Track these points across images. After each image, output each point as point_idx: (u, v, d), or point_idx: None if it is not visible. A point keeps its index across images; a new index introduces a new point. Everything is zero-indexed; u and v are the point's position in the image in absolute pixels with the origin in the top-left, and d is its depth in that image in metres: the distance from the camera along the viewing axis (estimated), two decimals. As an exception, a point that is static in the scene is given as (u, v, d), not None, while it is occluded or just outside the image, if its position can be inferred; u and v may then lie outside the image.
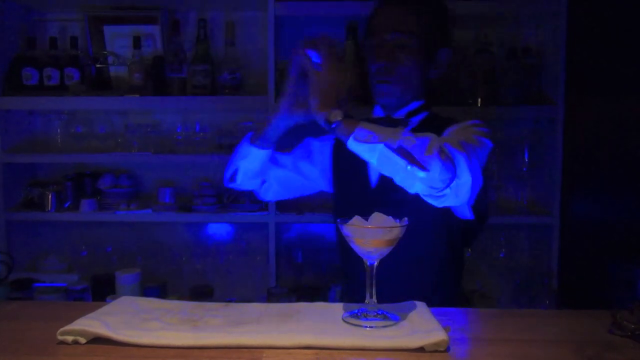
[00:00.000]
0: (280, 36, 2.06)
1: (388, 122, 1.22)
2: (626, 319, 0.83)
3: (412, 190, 0.99)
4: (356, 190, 1.29)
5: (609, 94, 1.72)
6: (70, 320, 0.82)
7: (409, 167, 0.94)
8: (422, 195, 1.01)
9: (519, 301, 1.94)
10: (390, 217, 0.86)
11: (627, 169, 1.62)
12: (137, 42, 2.05)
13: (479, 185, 1.05)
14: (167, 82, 2.04)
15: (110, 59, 2.12)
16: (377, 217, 0.86)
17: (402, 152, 0.95)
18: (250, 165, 1.25)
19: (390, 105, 1.27)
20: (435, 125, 1.18)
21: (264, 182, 1.34)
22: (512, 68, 1.95)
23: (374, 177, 1.26)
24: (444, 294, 1.24)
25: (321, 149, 1.38)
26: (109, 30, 2.13)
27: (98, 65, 2.12)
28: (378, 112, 1.30)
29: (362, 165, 1.26)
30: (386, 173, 1.00)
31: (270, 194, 1.37)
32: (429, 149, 0.95)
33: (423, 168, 0.94)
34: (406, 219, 0.86)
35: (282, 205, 2.05)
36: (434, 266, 1.25)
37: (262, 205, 2.04)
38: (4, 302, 1.50)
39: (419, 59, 1.23)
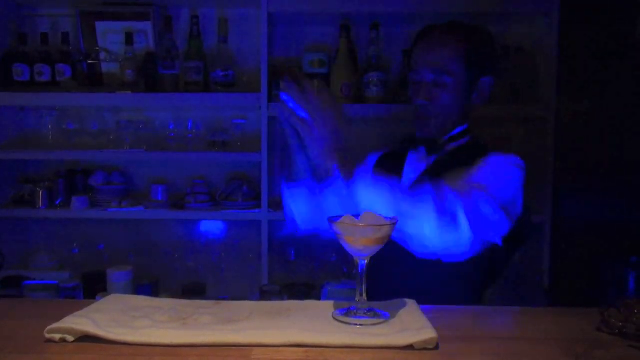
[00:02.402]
0: (273, 33, 2.06)
1: (426, 143, 1.27)
2: (614, 316, 0.84)
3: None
4: None
5: (600, 94, 1.73)
6: (60, 318, 0.82)
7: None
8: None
9: (509, 299, 1.95)
10: (380, 215, 0.86)
11: (619, 168, 1.63)
12: (129, 39, 2.04)
13: (505, 224, 1.08)
14: (160, 78, 2.03)
15: (102, 55, 2.11)
16: (367, 216, 0.86)
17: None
18: (298, 209, 1.23)
19: (430, 135, 1.29)
20: (472, 151, 1.22)
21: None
22: (504, 67, 1.95)
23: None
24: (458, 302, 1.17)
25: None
26: (100, 26, 2.12)
27: (90, 62, 2.10)
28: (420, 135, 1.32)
29: (396, 173, 1.29)
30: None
31: None
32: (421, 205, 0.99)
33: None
34: (396, 217, 0.86)
35: (275, 203, 2.05)
36: (450, 274, 1.19)
37: (255, 203, 2.04)
38: (-7, 299, 1.49)
39: (458, 92, 1.24)
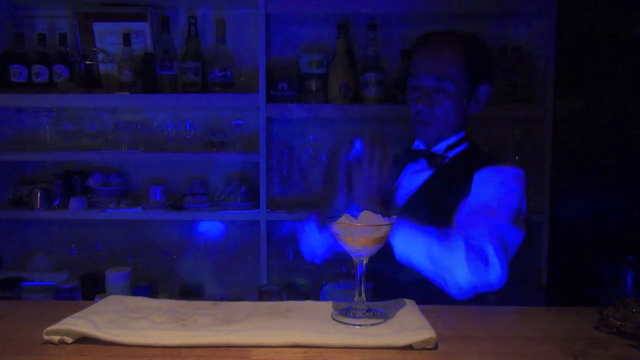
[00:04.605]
0: (271, 33, 2.06)
1: (427, 156, 1.29)
2: (612, 315, 0.84)
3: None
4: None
5: (597, 94, 1.73)
6: (58, 319, 0.82)
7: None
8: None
9: (507, 298, 1.95)
10: (379, 215, 0.86)
11: (616, 167, 1.63)
12: (126, 39, 2.04)
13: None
14: (157, 79, 2.03)
15: (100, 56, 2.11)
16: (366, 215, 0.86)
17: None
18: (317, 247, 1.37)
19: (429, 141, 1.31)
20: (472, 160, 1.24)
21: None
22: (502, 67, 1.96)
23: (400, 200, 1.30)
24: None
25: None
26: (98, 27, 2.12)
27: (87, 62, 2.10)
28: (418, 145, 1.34)
29: (394, 182, 1.32)
30: None
31: None
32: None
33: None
34: (395, 216, 0.86)
35: (274, 203, 2.05)
36: None
37: (254, 203, 2.04)
38: (-9, 301, 1.48)
39: (457, 99, 1.26)
